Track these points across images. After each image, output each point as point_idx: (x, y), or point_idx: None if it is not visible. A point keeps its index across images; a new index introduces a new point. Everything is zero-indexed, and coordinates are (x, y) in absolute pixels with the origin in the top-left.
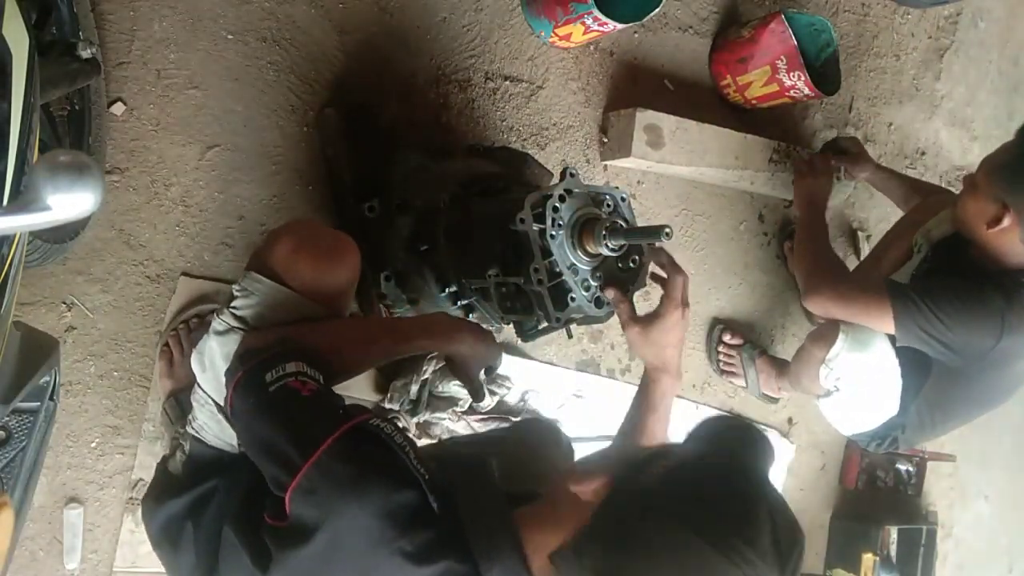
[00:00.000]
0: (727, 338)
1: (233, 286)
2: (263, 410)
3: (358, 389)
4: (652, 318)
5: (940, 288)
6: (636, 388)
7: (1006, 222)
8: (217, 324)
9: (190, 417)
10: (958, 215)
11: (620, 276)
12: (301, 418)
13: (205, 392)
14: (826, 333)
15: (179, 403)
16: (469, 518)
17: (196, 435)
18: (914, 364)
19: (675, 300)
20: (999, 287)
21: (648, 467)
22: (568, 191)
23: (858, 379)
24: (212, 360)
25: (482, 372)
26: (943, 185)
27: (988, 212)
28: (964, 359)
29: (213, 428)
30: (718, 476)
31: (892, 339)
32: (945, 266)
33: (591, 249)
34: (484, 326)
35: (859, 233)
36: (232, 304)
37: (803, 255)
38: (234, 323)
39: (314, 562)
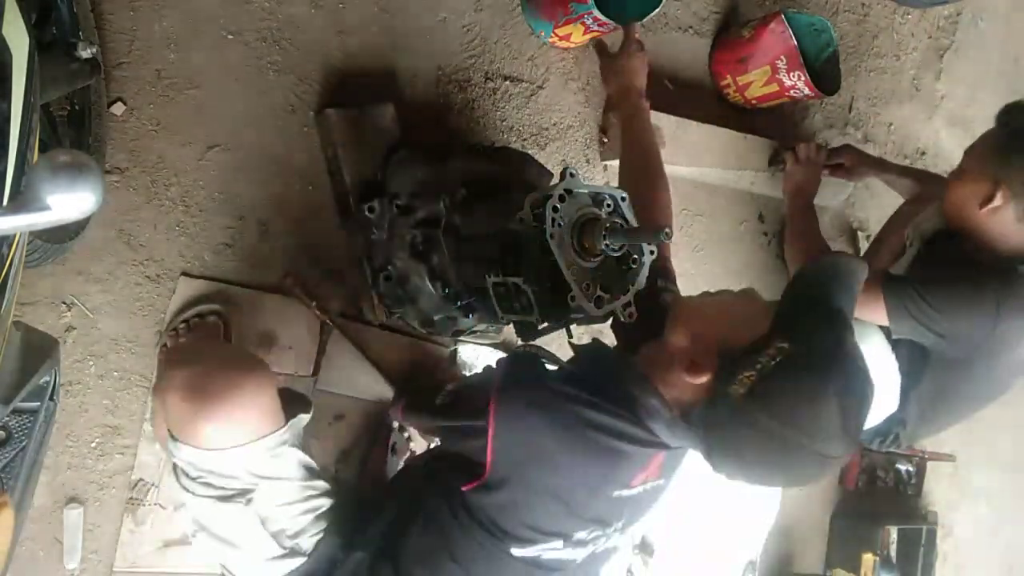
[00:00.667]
0: None
1: (175, 459)
2: (444, 414)
3: (369, 383)
4: (616, 51)
5: (933, 278)
6: None
7: (998, 200)
8: (198, 503)
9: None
10: (948, 206)
11: (620, 276)
12: (476, 393)
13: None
14: None
15: None
16: (612, 377)
17: None
18: (913, 359)
19: (631, 39)
20: (994, 274)
21: (736, 375)
22: (568, 191)
23: None
24: (231, 534)
25: None
26: None
27: (980, 192)
28: (960, 348)
29: (278, 569)
30: (795, 378)
31: (888, 334)
32: (937, 259)
33: (591, 249)
34: (485, 325)
35: (859, 233)
36: (196, 476)
37: (795, 247)
38: (212, 493)
39: (535, 466)
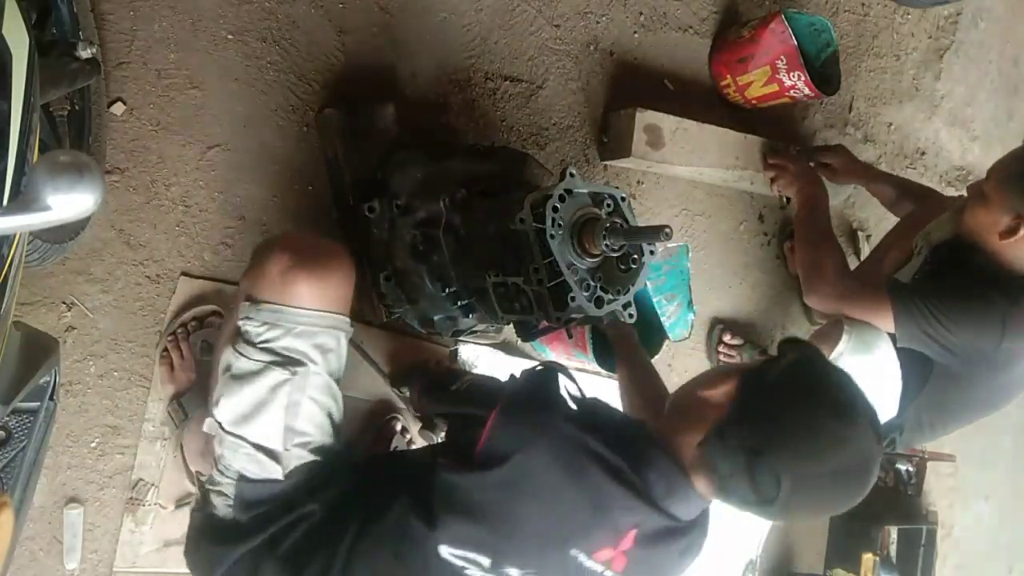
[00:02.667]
0: (727, 338)
1: (243, 322)
2: (454, 400)
3: (370, 384)
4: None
5: (942, 289)
6: None
7: (1022, 232)
8: (247, 364)
9: (220, 468)
10: (967, 225)
11: (620, 276)
12: (489, 393)
13: (238, 437)
14: (829, 333)
15: (181, 406)
16: (615, 437)
17: (243, 477)
18: (915, 366)
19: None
20: (1002, 290)
21: (770, 369)
22: (568, 191)
23: (860, 381)
24: (257, 404)
25: None
26: (943, 185)
27: (1001, 223)
28: (965, 361)
29: (254, 469)
30: (824, 372)
31: (894, 339)
32: (946, 269)
33: (591, 249)
34: (485, 325)
35: (859, 233)
36: (259, 340)
37: (805, 249)
38: (266, 358)
39: (516, 472)
